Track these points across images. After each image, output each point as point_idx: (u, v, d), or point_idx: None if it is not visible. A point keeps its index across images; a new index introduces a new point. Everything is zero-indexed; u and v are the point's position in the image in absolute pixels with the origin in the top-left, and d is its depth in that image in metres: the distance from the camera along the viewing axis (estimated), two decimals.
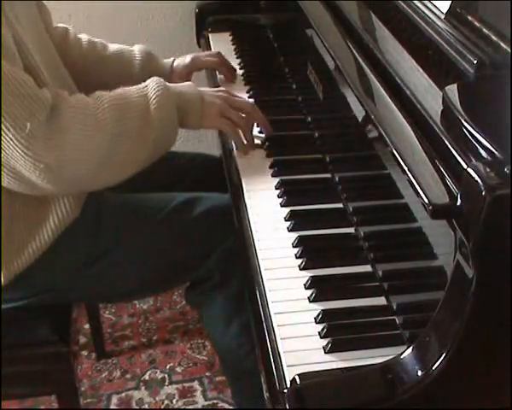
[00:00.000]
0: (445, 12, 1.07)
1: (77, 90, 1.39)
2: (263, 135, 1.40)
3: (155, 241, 1.33)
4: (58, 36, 1.50)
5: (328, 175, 1.29)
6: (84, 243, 1.31)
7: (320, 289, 1.03)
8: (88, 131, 1.16)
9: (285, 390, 0.87)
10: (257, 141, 1.39)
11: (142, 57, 1.54)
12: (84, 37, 1.55)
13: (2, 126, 1.09)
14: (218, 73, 1.65)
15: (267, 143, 1.39)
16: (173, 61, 1.57)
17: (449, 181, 0.83)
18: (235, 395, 1.51)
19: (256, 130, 1.40)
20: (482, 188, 0.73)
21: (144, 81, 1.29)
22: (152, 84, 1.25)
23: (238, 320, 1.34)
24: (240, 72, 1.67)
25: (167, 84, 1.27)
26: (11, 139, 1.10)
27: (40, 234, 1.26)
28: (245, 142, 1.35)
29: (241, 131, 1.35)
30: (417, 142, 0.91)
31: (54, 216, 1.26)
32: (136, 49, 1.55)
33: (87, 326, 1.99)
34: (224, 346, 1.40)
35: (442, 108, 0.91)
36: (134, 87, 1.25)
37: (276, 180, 1.29)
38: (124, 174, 1.24)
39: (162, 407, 1.84)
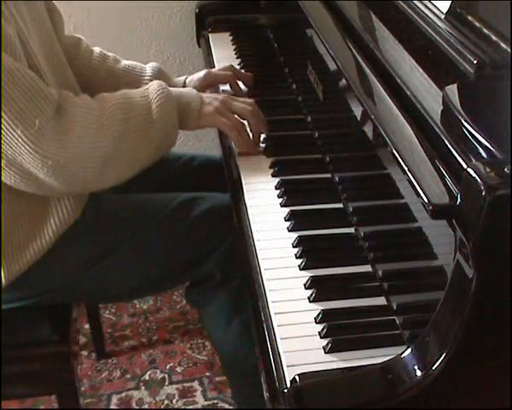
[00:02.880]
0: (445, 12, 1.07)
1: (81, 92, 1.39)
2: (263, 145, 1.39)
3: (156, 241, 1.33)
4: (69, 45, 1.49)
5: (328, 175, 1.29)
6: (84, 245, 1.31)
7: (320, 289, 1.03)
8: (93, 131, 1.18)
9: (285, 390, 0.87)
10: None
11: (153, 76, 1.51)
12: (96, 49, 1.54)
13: (11, 123, 1.09)
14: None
15: (267, 144, 1.39)
16: (185, 79, 1.55)
17: (449, 181, 0.83)
18: (236, 395, 1.51)
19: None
20: (482, 188, 0.73)
21: None
22: (153, 86, 1.27)
23: (238, 320, 1.34)
24: None
25: (168, 87, 1.28)
26: (20, 136, 1.10)
27: (41, 236, 1.26)
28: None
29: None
30: (417, 142, 0.91)
31: (55, 218, 1.26)
32: (148, 67, 1.54)
33: (87, 326, 1.99)
34: (224, 346, 1.40)
35: (442, 108, 0.91)
36: (136, 90, 1.27)
37: (276, 180, 1.29)
38: (127, 173, 1.25)
39: (162, 407, 1.84)
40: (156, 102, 1.24)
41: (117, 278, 1.35)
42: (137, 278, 1.36)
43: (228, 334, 1.36)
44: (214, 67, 1.61)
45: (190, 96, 1.32)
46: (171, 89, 1.29)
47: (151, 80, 1.49)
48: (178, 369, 1.94)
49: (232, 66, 1.59)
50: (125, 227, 1.33)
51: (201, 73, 1.55)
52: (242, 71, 1.63)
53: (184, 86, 1.54)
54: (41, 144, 1.11)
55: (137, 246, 1.33)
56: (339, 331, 0.97)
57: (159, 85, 1.27)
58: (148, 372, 1.94)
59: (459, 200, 0.78)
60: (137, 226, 1.33)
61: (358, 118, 1.13)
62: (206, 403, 1.84)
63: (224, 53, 1.76)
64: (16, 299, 1.32)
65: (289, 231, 1.17)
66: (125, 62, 1.54)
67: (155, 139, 1.25)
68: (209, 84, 1.57)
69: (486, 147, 0.80)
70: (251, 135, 1.35)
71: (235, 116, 1.34)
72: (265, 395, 0.93)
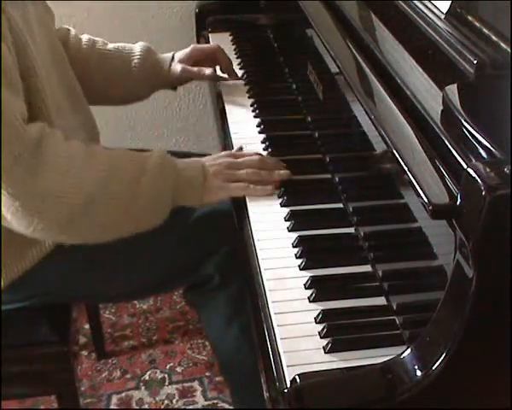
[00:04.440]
0: (445, 12, 1.08)
1: (83, 96, 1.40)
2: None
3: (155, 243, 1.33)
4: (60, 38, 1.50)
5: (328, 175, 1.29)
6: (84, 247, 1.30)
7: (320, 289, 1.03)
8: (67, 181, 1.12)
9: (285, 390, 0.87)
10: None
11: (142, 52, 1.55)
12: (84, 36, 1.56)
13: None
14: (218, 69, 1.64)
15: (267, 144, 1.39)
16: (173, 55, 1.58)
17: (449, 181, 0.83)
18: (233, 395, 1.51)
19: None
20: (482, 188, 0.73)
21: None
22: (154, 155, 1.21)
23: (237, 322, 1.34)
24: (240, 72, 1.67)
25: (171, 160, 1.22)
26: None
27: (40, 240, 1.26)
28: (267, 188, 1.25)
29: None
30: (417, 142, 0.91)
31: None
32: (137, 46, 1.57)
33: (87, 326, 1.99)
34: (223, 348, 1.40)
35: (442, 108, 0.91)
36: (136, 153, 1.23)
37: None
38: (99, 237, 1.20)
39: (162, 407, 1.84)
40: (149, 175, 1.17)
41: (116, 280, 1.35)
42: (137, 280, 1.36)
43: (226, 337, 1.36)
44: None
45: (192, 171, 1.22)
46: (172, 163, 1.21)
47: (140, 58, 1.54)
48: (178, 369, 1.94)
49: (218, 45, 1.63)
50: None
51: (188, 49, 1.59)
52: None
53: (172, 62, 1.57)
54: (6, 184, 1.08)
55: (137, 248, 1.32)
56: (339, 331, 0.96)
57: (160, 158, 1.20)
58: (148, 372, 1.94)
59: (459, 200, 0.78)
60: None
61: (358, 118, 1.13)
62: (206, 403, 1.84)
63: None
64: (16, 300, 1.32)
65: (289, 231, 1.17)
66: (113, 44, 1.57)
67: (137, 213, 1.18)
68: (196, 58, 1.59)
69: (486, 147, 0.80)
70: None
71: (245, 171, 1.24)
72: (265, 395, 0.93)
